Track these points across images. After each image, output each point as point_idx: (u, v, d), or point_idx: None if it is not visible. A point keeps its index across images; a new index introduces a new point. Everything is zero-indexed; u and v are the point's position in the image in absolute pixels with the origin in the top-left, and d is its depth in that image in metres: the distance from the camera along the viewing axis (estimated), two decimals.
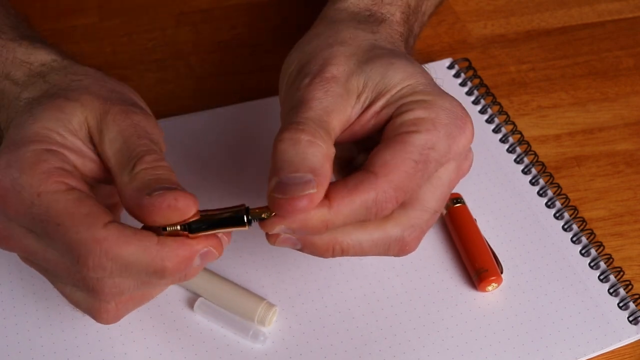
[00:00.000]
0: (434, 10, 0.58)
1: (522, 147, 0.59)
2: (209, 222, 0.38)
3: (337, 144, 0.41)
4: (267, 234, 0.40)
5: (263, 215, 0.38)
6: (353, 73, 0.41)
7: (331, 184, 0.38)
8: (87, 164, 0.40)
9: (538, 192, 0.57)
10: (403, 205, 0.41)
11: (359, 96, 0.41)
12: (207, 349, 0.48)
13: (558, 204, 0.56)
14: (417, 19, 0.52)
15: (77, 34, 0.66)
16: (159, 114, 0.60)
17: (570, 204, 0.56)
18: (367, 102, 0.41)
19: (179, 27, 0.67)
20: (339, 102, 0.40)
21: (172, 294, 0.50)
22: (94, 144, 0.40)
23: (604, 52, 0.68)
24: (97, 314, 0.40)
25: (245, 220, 0.38)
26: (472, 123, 0.41)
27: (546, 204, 0.56)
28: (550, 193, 0.57)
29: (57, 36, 0.65)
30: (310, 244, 0.40)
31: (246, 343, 0.48)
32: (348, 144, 0.44)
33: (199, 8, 0.69)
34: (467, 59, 0.65)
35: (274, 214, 0.38)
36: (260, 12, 0.69)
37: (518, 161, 0.58)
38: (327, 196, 0.38)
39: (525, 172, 0.58)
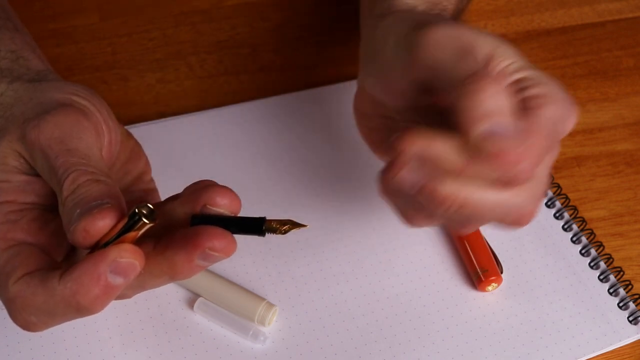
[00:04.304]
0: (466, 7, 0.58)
1: None
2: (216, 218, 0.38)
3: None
4: (388, 169, 0.37)
5: (284, 229, 0.37)
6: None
7: None
8: (41, 190, 0.39)
9: None
10: None
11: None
12: (207, 349, 0.48)
13: (558, 204, 0.56)
14: (461, 15, 0.54)
15: (77, 34, 0.66)
16: (159, 114, 0.60)
17: (570, 204, 0.56)
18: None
19: (179, 27, 0.67)
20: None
21: (172, 294, 0.50)
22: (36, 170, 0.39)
23: (604, 52, 0.68)
24: None
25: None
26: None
27: (546, 204, 0.56)
28: (550, 193, 0.57)
29: (57, 36, 0.65)
30: (429, 190, 0.37)
31: (246, 343, 0.48)
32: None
33: (199, 8, 0.69)
34: None
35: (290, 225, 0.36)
36: (260, 12, 0.69)
37: None
38: None
39: None
